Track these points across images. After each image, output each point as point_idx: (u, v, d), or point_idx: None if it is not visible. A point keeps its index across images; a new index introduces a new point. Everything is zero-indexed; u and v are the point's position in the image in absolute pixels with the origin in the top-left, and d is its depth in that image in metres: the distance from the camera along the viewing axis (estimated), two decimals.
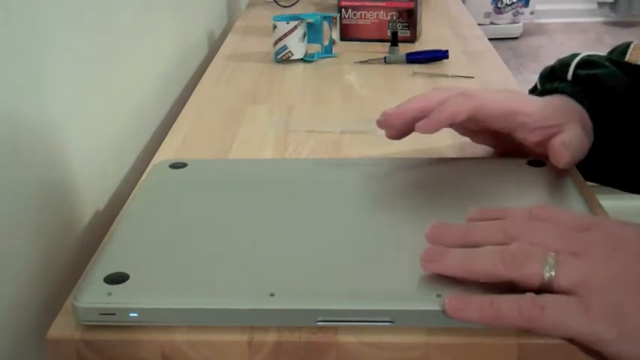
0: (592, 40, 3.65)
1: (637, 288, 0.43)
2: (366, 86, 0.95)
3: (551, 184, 0.60)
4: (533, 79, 0.74)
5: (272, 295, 0.47)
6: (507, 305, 0.44)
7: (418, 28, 1.15)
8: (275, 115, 0.84)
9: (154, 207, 0.59)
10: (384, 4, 1.13)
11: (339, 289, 0.47)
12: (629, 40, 0.74)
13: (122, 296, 0.47)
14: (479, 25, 1.29)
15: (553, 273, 0.44)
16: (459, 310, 0.44)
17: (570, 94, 0.65)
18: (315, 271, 0.49)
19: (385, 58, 1.04)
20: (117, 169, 0.77)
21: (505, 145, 0.66)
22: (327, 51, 1.08)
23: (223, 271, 0.50)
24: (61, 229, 0.62)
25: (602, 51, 0.72)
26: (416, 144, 0.69)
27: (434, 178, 0.62)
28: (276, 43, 1.04)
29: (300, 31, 1.03)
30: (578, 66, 0.68)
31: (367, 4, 1.14)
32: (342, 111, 0.86)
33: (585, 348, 0.44)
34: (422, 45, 1.12)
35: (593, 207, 0.59)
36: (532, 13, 3.72)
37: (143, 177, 0.67)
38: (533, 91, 0.73)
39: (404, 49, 1.07)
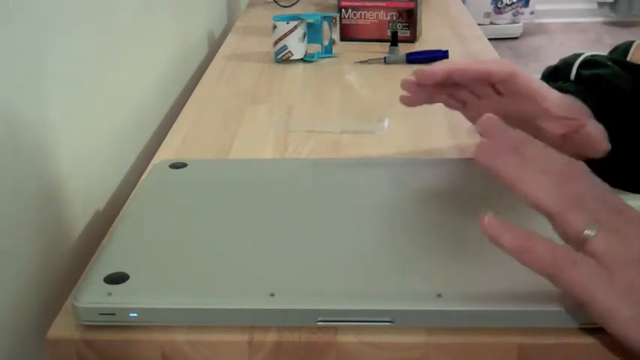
0: (592, 40, 3.65)
1: None
2: (366, 86, 0.95)
3: None
4: None
5: (272, 295, 0.47)
6: (544, 246, 0.44)
7: (418, 28, 1.15)
8: (275, 115, 0.84)
9: (153, 207, 0.59)
10: (384, 4, 1.13)
11: (339, 289, 0.47)
12: (629, 40, 0.74)
13: (122, 296, 0.47)
14: (479, 25, 1.29)
15: (594, 233, 0.44)
16: (496, 231, 0.44)
17: (574, 94, 0.65)
18: (315, 271, 0.49)
19: (385, 58, 1.04)
20: (117, 169, 0.77)
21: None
22: (327, 51, 1.08)
23: (223, 271, 0.50)
24: (61, 229, 0.62)
25: (603, 51, 0.72)
26: (416, 144, 0.69)
27: (434, 178, 0.62)
28: (276, 43, 1.04)
29: (300, 31, 1.03)
30: (581, 66, 0.68)
31: (367, 4, 1.14)
32: (342, 111, 0.86)
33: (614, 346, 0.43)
34: (422, 45, 1.12)
35: None
36: (532, 13, 3.72)
37: (143, 177, 0.67)
38: None
39: (404, 49, 1.07)
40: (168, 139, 0.79)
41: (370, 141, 0.75)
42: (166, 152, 0.75)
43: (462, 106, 0.67)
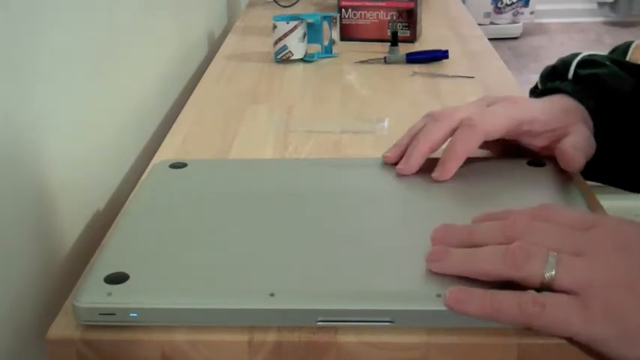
0: (592, 40, 3.65)
1: (638, 289, 0.43)
2: (366, 86, 0.95)
3: (551, 184, 0.60)
4: (533, 79, 0.74)
5: (272, 295, 0.47)
6: (508, 301, 0.44)
7: (418, 28, 1.15)
8: (275, 115, 0.84)
9: (153, 207, 0.59)
10: (384, 4, 1.13)
11: (339, 289, 0.47)
12: (629, 40, 0.74)
13: (122, 296, 0.47)
14: (479, 25, 1.29)
15: (553, 273, 0.44)
16: (461, 303, 0.44)
17: (571, 94, 0.65)
18: (315, 271, 0.49)
19: (385, 58, 1.04)
20: (117, 169, 0.77)
21: (505, 147, 0.66)
22: (327, 51, 1.08)
23: (223, 271, 0.50)
24: (61, 229, 0.62)
25: (602, 51, 0.72)
26: None
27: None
28: (276, 43, 1.04)
29: (300, 31, 1.03)
30: (579, 65, 0.68)
31: (367, 4, 1.14)
32: (342, 111, 0.86)
33: (585, 348, 0.43)
34: (422, 45, 1.12)
35: (594, 207, 0.59)
36: (532, 13, 3.72)
37: (143, 177, 0.67)
38: (534, 90, 0.73)
39: (404, 49, 1.07)
40: (168, 139, 0.79)
41: (370, 141, 0.75)
42: (166, 152, 0.75)
43: None
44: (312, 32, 1.06)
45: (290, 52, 1.04)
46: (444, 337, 0.46)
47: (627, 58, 0.70)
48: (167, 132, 0.80)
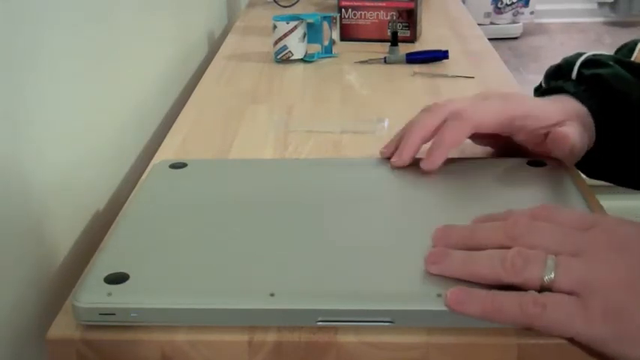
0: (592, 40, 3.65)
1: (638, 289, 0.43)
2: (366, 86, 0.95)
3: (551, 184, 0.60)
4: (533, 79, 0.74)
5: (272, 295, 0.47)
6: (509, 301, 0.44)
7: (418, 28, 1.15)
8: (275, 115, 0.84)
9: (153, 207, 0.59)
10: (384, 4, 1.13)
11: (339, 289, 0.47)
12: (628, 40, 0.74)
13: (122, 296, 0.47)
14: (479, 25, 1.29)
15: (552, 275, 0.44)
16: (461, 304, 0.44)
17: (574, 93, 0.65)
18: (315, 271, 0.49)
19: (385, 58, 1.04)
20: (117, 169, 0.77)
21: (505, 145, 0.66)
22: (327, 51, 1.08)
23: (223, 271, 0.50)
24: (61, 228, 0.62)
25: (603, 51, 0.72)
26: None
27: (434, 178, 0.62)
28: (276, 43, 1.04)
29: (300, 31, 1.03)
30: (582, 65, 0.68)
31: (367, 4, 1.14)
32: (342, 111, 0.86)
33: (585, 348, 0.44)
34: (422, 45, 1.12)
35: (593, 207, 0.59)
36: (532, 13, 3.72)
37: (143, 177, 0.67)
38: (538, 89, 0.73)
39: (404, 49, 1.07)
40: (168, 139, 0.79)
41: (370, 141, 0.75)
42: (166, 152, 0.75)
43: None
44: (312, 32, 1.06)
45: (290, 52, 1.04)
46: (444, 337, 0.46)
47: (633, 58, 0.70)
48: (167, 132, 0.80)
